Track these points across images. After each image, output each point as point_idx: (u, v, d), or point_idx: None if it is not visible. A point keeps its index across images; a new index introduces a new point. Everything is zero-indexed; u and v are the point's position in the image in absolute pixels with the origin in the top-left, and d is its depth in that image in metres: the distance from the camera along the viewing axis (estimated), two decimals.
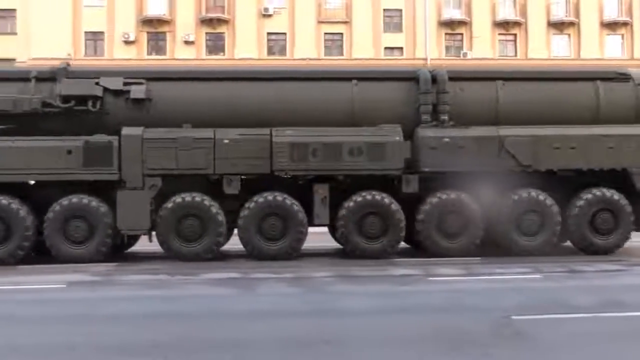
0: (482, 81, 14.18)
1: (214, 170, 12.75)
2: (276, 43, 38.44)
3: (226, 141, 12.76)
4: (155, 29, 37.94)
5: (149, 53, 37.83)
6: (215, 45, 38.28)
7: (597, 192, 13.55)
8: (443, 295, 9.29)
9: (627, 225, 13.64)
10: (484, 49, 38.39)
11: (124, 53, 36.65)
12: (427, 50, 38.05)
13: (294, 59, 36.41)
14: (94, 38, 37.95)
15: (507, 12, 39.05)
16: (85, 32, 37.66)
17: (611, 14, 39.35)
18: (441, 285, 10.18)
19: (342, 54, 38.13)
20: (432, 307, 8.25)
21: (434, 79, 13.70)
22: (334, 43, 38.69)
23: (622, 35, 39.47)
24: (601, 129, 13.76)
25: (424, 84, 13.59)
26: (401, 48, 38.68)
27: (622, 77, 14.41)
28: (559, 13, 39.13)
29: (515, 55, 39.08)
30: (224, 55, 37.66)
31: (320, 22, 38.20)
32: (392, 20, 38.80)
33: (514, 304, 8.33)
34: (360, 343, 6.18)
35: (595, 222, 13.50)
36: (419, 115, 13.44)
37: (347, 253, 13.30)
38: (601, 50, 39.17)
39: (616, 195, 13.57)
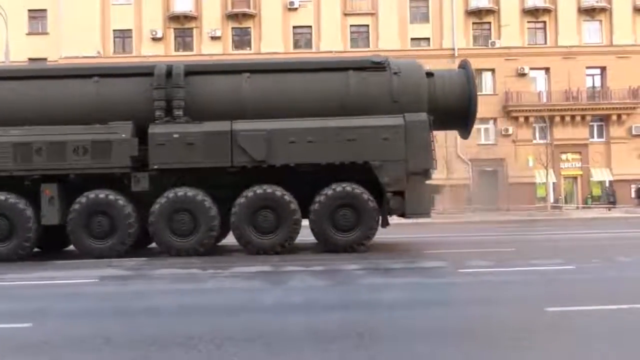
0: (225, 74, 13.72)
1: None
2: (302, 36, 38.44)
3: None
4: (182, 25, 38.24)
5: (176, 49, 38.18)
6: (242, 40, 38.45)
7: (337, 187, 13.00)
8: (474, 287, 9.20)
9: (370, 220, 13.11)
10: (512, 38, 37.89)
11: (152, 50, 37.02)
12: (454, 40, 37.70)
13: (320, 52, 36.38)
14: (122, 36, 38.42)
15: (536, 0, 38.42)
16: (114, 30, 38.17)
17: None
18: (472, 278, 10.07)
19: (368, 46, 37.95)
20: (463, 299, 8.17)
21: (170, 74, 13.32)
22: (360, 35, 38.55)
23: None
24: (340, 121, 13.17)
25: (157, 79, 13.26)
26: (428, 39, 38.35)
27: (377, 66, 13.74)
28: None
29: (545, 43, 38.48)
30: (250, 49, 37.81)
31: (345, 14, 38.08)
32: (419, 10, 38.48)
33: (547, 295, 8.21)
34: (393, 336, 6.14)
35: (336, 218, 13.00)
36: (154, 111, 13.16)
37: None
38: (634, 35, 38.32)
39: (358, 190, 13.02)
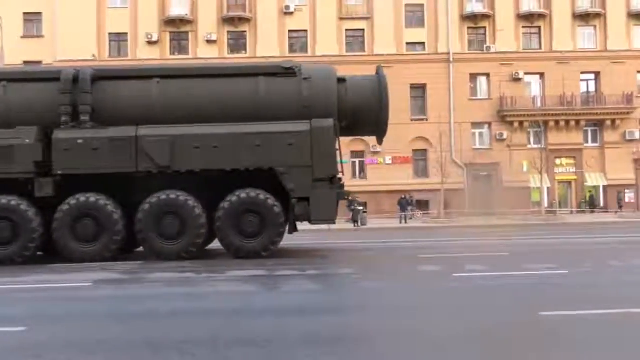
0: (134, 80, 13.65)
1: None
2: (298, 40, 38.46)
3: None
4: (178, 29, 38.22)
5: (172, 53, 38.14)
6: (237, 43, 38.46)
7: (241, 193, 12.92)
8: (469, 291, 9.21)
9: (275, 226, 13.02)
10: (507, 42, 38.00)
11: (148, 53, 36.99)
12: (449, 44, 37.77)
13: (316, 56, 36.38)
14: (118, 39, 38.36)
15: (531, 5, 38.57)
16: (109, 34, 38.09)
17: (638, 5, 38.61)
18: (466, 282, 10.08)
19: (363, 50, 38.01)
20: (458, 303, 8.18)
21: (77, 79, 13.23)
22: (355, 39, 38.59)
23: None
24: (245, 127, 13.12)
25: (64, 84, 13.21)
26: (423, 43, 38.42)
27: (288, 72, 13.68)
28: (584, 4, 38.53)
29: (540, 48, 38.61)
30: (245, 53, 37.81)
31: (341, 18, 38.13)
32: (414, 15, 38.55)
33: (541, 299, 8.23)
34: (387, 340, 6.15)
35: (241, 224, 12.91)
36: (60, 117, 13.09)
37: None
38: (628, 41, 38.47)
39: (262, 196, 12.92)
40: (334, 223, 14.21)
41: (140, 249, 14.10)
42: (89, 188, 12.97)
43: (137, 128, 13.11)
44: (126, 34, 38.06)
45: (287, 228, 13.63)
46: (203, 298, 8.97)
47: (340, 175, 13.83)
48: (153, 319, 7.41)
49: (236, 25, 38.19)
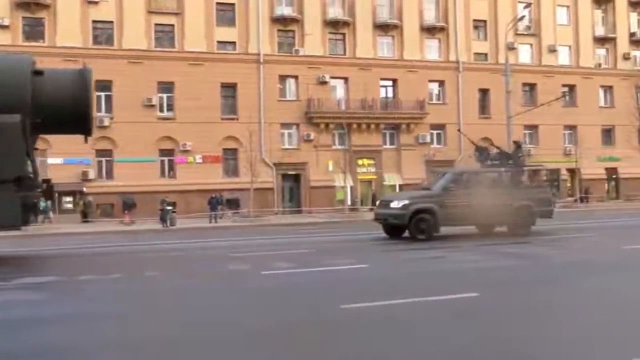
0: None
1: None
2: (103, 32, 36.44)
3: None
4: None
5: None
6: (34, 31, 35.42)
7: None
8: (275, 288, 9.40)
9: None
10: (315, 47, 39.41)
11: None
12: (259, 45, 38.26)
13: (123, 49, 34.88)
14: None
15: (336, 12, 40.41)
16: None
17: (430, 19, 42.29)
18: (274, 279, 10.27)
19: (173, 46, 37.12)
20: (264, 300, 8.30)
21: None
22: (165, 34, 37.51)
23: (439, 39, 42.58)
24: None
25: None
26: (234, 42, 38.51)
27: None
28: (384, 15, 41.26)
29: (345, 54, 40.58)
30: (44, 42, 34.98)
31: (150, 12, 36.84)
32: (225, 14, 38.45)
33: (343, 293, 8.65)
34: (170, 344, 6.05)
35: None
36: None
37: None
38: (421, 52, 41.92)
39: None
40: (19, 229, 12.96)
41: None
42: None
43: None
44: None
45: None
46: None
47: (40, 177, 12.69)
48: None
49: (32, 11, 35.18)
